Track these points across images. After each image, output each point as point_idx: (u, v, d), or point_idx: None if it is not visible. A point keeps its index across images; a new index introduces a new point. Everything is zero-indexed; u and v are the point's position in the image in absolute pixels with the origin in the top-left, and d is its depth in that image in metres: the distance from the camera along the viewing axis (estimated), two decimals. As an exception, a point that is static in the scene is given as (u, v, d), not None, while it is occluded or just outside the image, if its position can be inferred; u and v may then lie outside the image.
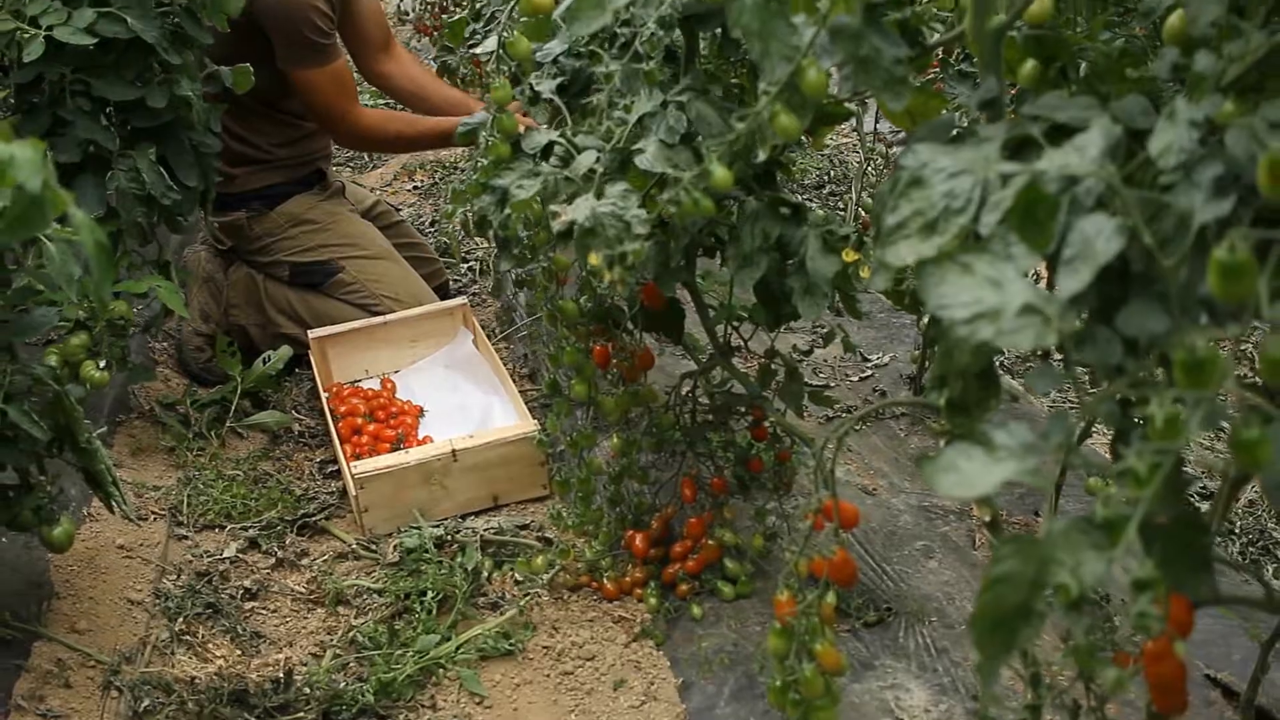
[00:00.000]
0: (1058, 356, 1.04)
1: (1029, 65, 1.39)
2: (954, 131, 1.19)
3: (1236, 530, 2.43)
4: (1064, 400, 2.93)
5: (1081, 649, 0.80)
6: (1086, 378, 1.53)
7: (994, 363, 1.09)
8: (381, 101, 5.14)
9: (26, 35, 2.12)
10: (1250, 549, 2.38)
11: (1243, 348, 3.04)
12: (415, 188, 4.94)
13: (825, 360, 3.15)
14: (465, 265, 4.06)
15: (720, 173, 1.42)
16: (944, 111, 1.55)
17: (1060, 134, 1.04)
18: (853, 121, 3.72)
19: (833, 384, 3.04)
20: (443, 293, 3.62)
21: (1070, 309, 0.85)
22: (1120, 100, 1.08)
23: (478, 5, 2.63)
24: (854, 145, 4.89)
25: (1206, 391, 0.76)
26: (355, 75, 3.52)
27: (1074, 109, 1.09)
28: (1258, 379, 0.94)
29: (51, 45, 2.13)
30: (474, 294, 3.85)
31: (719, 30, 1.76)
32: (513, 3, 1.84)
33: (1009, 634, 0.80)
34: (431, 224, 4.47)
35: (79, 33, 2.13)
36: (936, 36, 1.49)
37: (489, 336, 3.28)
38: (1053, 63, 1.39)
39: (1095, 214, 0.87)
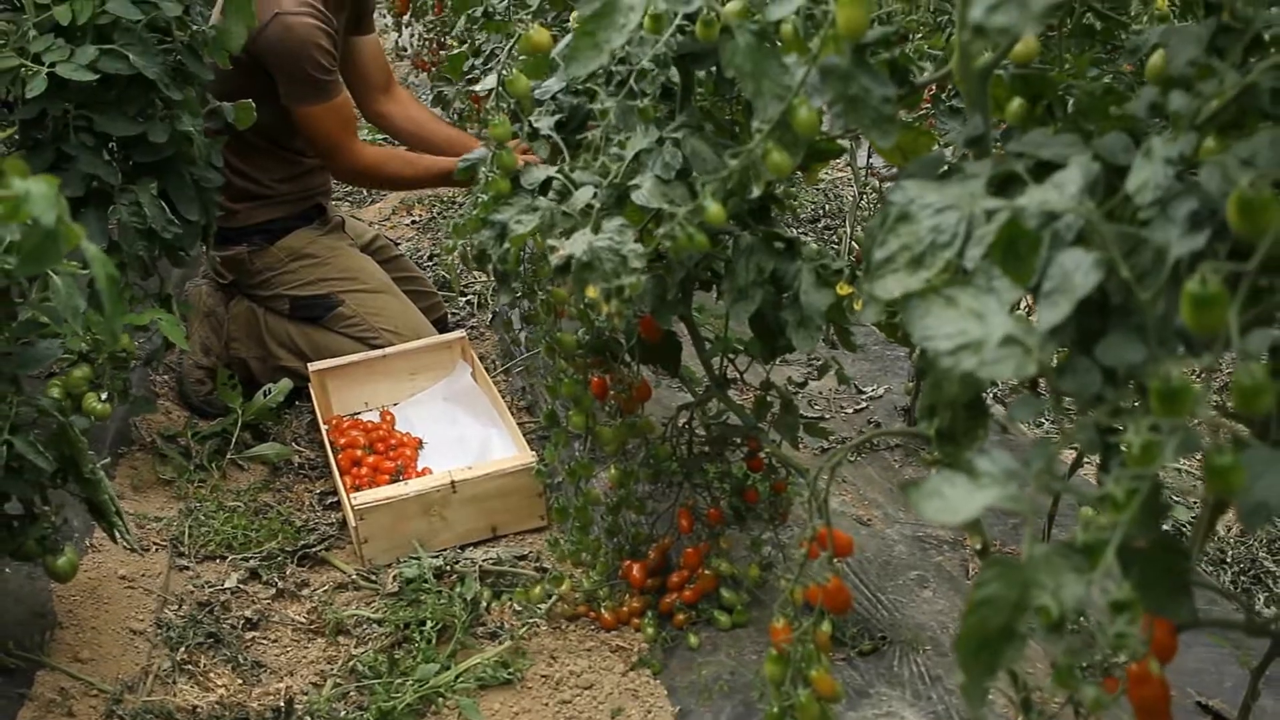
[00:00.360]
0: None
1: (1016, 103, 1.42)
2: (943, 168, 1.22)
3: (1228, 559, 2.46)
4: (1057, 431, 2.96)
5: (1063, 669, 0.82)
6: (1075, 408, 1.55)
7: (981, 393, 1.12)
8: (380, 138, 5.18)
9: (30, 72, 2.15)
10: (1242, 578, 2.41)
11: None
12: (414, 222, 4.98)
13: (820, 393, 3.18)
14: (464, 299, 4.09)
15: (714, 208, 1.45)
16: (934, 147, 1.59)
17: (1045, 170, 1.07)
18: (847, 156, 3.76)
19: (828, 416, 3.06)
20: (441, 326, 3.65)
21: (1050, 340, 0.88)
22: (1103, 138, 1.11)
23: (477, 41, 2.67)
24: (848, 180, 4.93)
25: (1181, 419, 0.79)
26: (356, 114, 3.56)
27: (1057, 146, 1.12)
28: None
29: (54, 81, 2.16)
30: (472, 327, 3.87)
31: (714, 68, 1.79)
32: (512, 41, 1.87)
33: (993, 655, 0.83)
34: (430, 258, 4.50)
35: (81, 69, 2.15)
36: (926, 74, 1.53)
37: (487, 369, 3.30)
38: (1039, 100, 1.42)
39: (1074, 248, 0.90)
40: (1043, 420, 2.87)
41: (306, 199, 3.49)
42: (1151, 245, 0.91)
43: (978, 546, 1.35)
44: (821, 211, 4.83)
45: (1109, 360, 0.91)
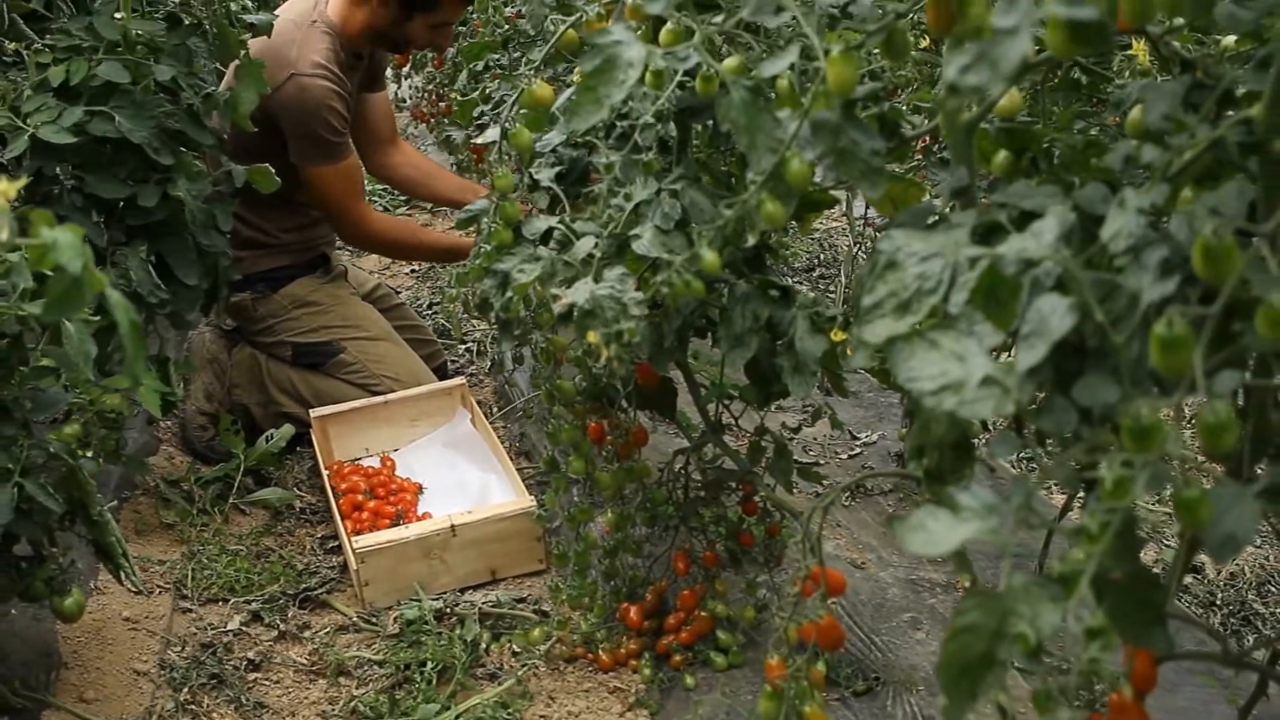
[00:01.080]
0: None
1: (1001, 155, 1.47)
2: (933, 218, 1.27)
3: (1218, 602, 2.49)
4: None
5: (1041, 694, 0.86)
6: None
7: (968, 434, 1.16)
8: (379, 187, 5.24)
9: (24, 130, 2.16)
10: (1231, 620, 2.44)
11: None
12: (413, 271, 5.03)
13: (814, 438, 3.22)
14: (463, 346, 4.13)
15: (709, 257, 1.50)
16: (924, 198, 1.64)
17: (1029, 220, 1.12)
18: (842, 206, 3.82)
19: (822, 462, 3.10)
20: (441, 373, 3.69)
21: (1028, 380, 0.92)
22: (1083, 189, 1.16)
23: (486, 89, 2.72)
24: (844, 229, 4.99)
25: (1151, 455, 0.84)
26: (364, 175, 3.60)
27: (1039, 197, 1.18)
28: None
29: (43, 142, 2.17)
30: (471, 374, 3.91)
31: (710, 122, 1.84)
32: (516, 94, 1.93)
33: (973, 681, 0.87)
34: (429, 306, 4.55)
35: (62, 132, 2.16)
36: (917, 125, 1.58)
37: (486, 415, 3.34)
38: (1024, 153, 1.48)
39: (1051, 294, 0.94)
40: (1034, 465, 2.91)
41: (311, 249, 3.53)
42: (1125, 291, 0.95)
43: (968, 584, 1.39)
44: (816, 260, 4.88)
45: (1085, 400, 0.96)
